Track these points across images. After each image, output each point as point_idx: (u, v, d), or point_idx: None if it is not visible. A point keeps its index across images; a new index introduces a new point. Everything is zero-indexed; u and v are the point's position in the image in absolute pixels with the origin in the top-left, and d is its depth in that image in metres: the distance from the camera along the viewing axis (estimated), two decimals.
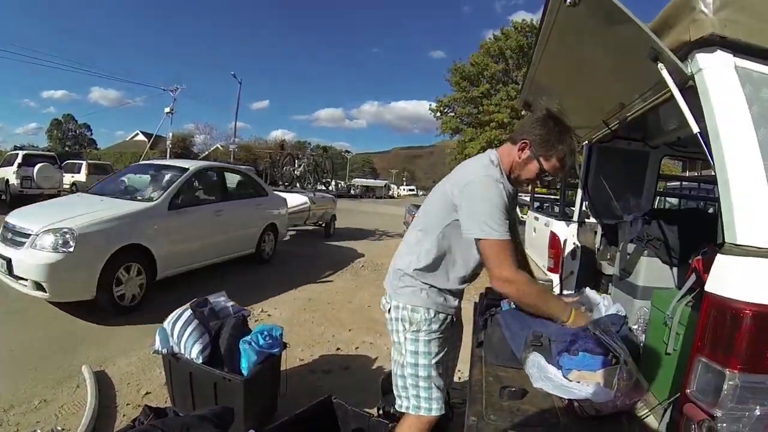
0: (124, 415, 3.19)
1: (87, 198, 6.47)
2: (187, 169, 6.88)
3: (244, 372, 2.94)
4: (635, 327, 2.32)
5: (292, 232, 12.64)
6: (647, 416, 1.71)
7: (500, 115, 35.93)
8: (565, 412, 1.66)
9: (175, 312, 3.14)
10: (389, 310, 2.12)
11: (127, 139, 64.16)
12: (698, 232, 2.37)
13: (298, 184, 14.52)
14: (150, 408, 2.41)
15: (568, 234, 4.24)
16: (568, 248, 4.20)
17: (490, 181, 1.93)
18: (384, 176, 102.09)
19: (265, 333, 3.11)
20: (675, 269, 2.66)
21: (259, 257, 8.48)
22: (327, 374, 4.07)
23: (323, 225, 13.44)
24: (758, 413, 1.31)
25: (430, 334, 2.04)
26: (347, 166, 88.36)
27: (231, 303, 3.45)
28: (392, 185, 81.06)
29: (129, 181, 7.20)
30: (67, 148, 56.69)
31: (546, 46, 2.41)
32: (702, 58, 1.58)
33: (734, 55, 1.55)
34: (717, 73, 1.55)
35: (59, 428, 2.55)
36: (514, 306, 2.15)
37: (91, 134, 70.56)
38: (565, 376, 1.71)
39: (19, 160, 17.64)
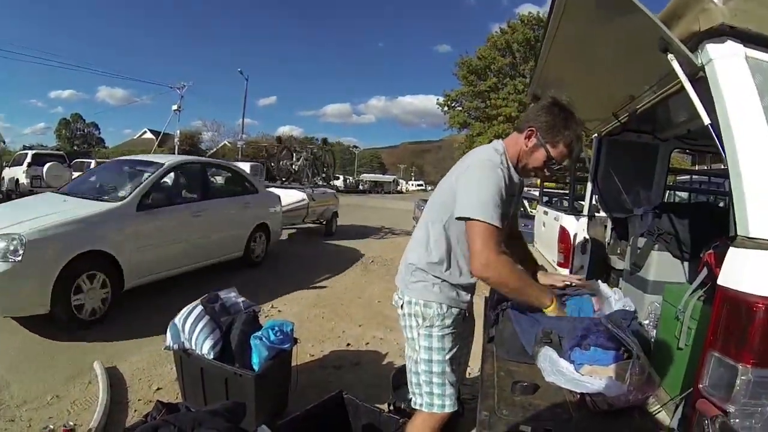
0: (135, 411, 3.21)
1: (51, 198, 5.79)
2: (162, 164, 6.13)
3: (255, 367, 2.95)
4: (646, 322, 2.32)
5: (292, 231, 12.24)
6: (659, 411, 1.70)
7: (508, 108, 35.77)
8: (577, 407, 1.66)
9: (186, 308, 3.16)
10: (402, 306, 2.12)
11: (135, 137, 64.53)
12: (709, 226, 2.35)
13: (302, 180, 13.58)
14: (162, 403, 2.43)
15: (577, 228, 4.22)
16: (578, 243, 4.18)
17: (490, 166, 1.91)
18: (392, 171, 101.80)
19: (276, 328, 3.11)
20: (686, 263, 2.65)
21: (248, 260, 7.70)
22: (338, 370, 4.08)
23: (324, 223, 12.54)
24: None
25: (443, 329, 2.04)
26: (355, 161, 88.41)
27: (242, 299, 3.46)
28: (400, 180, 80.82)
29: (101, 179, 6.39)
30: (75, 147, 57.04)
31: (554, 39, 2.39)
32: (712, 49, 1.57)
33: (745, 46, 1.54)
34: (727, 64, 1.54)
35: (71, 423, 2.57)
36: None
37: (99, 133, 70.83)
38: (576, 371, 1.70)
39: (28, 159, 17.87)
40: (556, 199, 8.13)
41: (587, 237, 4.11)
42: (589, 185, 4.26)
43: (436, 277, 2.04)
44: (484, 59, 37.95)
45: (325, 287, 7.08)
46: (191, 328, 3.02)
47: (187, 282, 6.16)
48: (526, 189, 4.73)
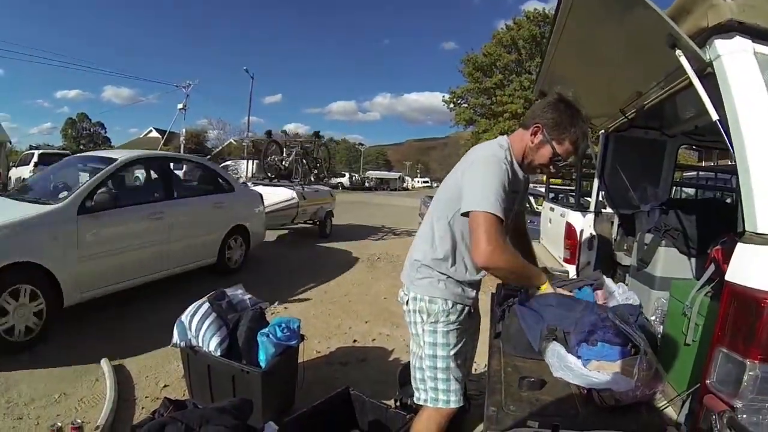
0: (142, 408, 3.23)
1: None
2: (115, 160, 5.31)
3: (262, 364, 2.96)
4: (653, 318, 2.31)
5: (284, 232, 11.54)
6: (666, 407, 1.70)
7: (514, 105, 35.72)
8: (584, 402, 1.66)
9: (193, 305, 3.17)
10: (407, 302, 2.12)
11: (141, 136, 64.61)
12: (716, 222, 2.35)
13: (292, 177, 12.23)
14: (169, 400, 2.45)
15: (584, 224, 4.21)
16: (585, 239, 4.17)
17: (494, 161, 1.91)
18: (398, 168, 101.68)
19: (283, 325, 3.13)
20: (693, 259, 2.64)
21: (223, 267, 6.82)
22: (344, 366, 4.09)
23: (317, 223, 11.54)
24: None
25: (448, 325, 2.04)
26: (361, 158, 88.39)
27: (248, 296, 3.48)
28: (406, 177, 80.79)
29: (54, 178, 5.66)
30: (82, 147, 57.21)
31: (561, 35, 2.39)
32: (720, 45, 1.56)
33: (753, 41, 1.53)
34: (736, 60, 1.53)
35: (79, 421, 2.58)
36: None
37: (105, 132, 71.21)
38: (584, 366, 1.71)
39: (35, 159, 18.01)
40: (562, 195, 8.11)
41: (594, 233, 4.11)
42: (596, 181, 4.25)
43: (441, 273, 2.04)
44: (489, 56, 37.92)
45: (332, 284, 7.08)
46: (198, 326, 3.04)
47: (192, 281, 6.19)
48: (531, 185, 4.71)
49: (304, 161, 12.59)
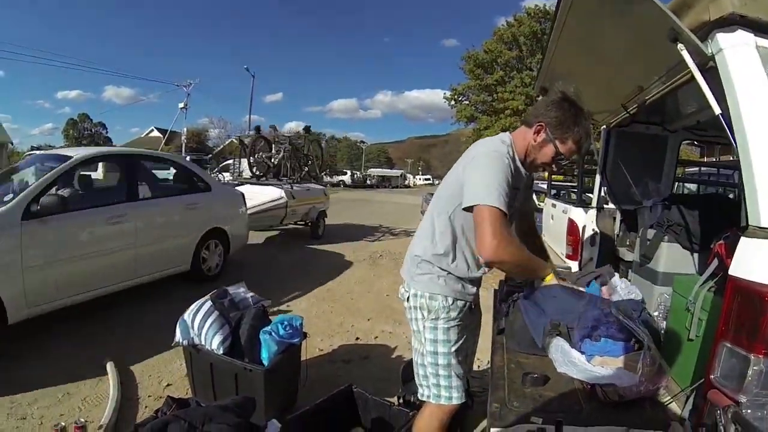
0: (146, 407, 3.24)
1: None
2: (69, 158, 4.76)
3: (265, 362, 2.97)
4: (656, 313, 2.31)
5: (274, 234, 11.05)
6: (670, 402, 1.70)
7: (515, 102, 35.66)
8: (587, 398, 1.65)
9: (195, 303, 3.18)
10: (407, 299, 2.12)
11: (143, 135, 64.65)
12: (719, 217, 2.34)
13: (281, 175, 11.43)
14: (172, 399, 2.45)
15: (586, 220, 4.20)
16: (587, 235, 4.17)
17: (496, 155, 1.91)
18: (399, 166, 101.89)
19: (285, 323, 3.13)
20: (696, 255, 2.64)
21: (198, 275, 6.17)
22: (347, 364, 4.09)
23: (309, 224, 10.91)
24: None
25: (448, 321, 2.04)
26: (362, 156, 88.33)
27: (251, 294, 3.48)
28: (408, 175, 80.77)
29: (10, 179, 5.08)
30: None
31: (562, 30, 2.38)
32: (722, 38, 1.56)
33: (755, 35, 1.53)
34: (738, 53, 1.52)
35: (82, 420, 2.58)
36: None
37: (107, 132, 71.10)
38: (587, 362, 1.70)
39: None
40: (564, 191, 8.11)
41: (596, 229, 4.10)
42: (598, 177, 4.24)
43: (441, 269, 2.04)
44: (490, 53, 37.83)
45: (334, 282, 7.07)
46: (201, 324, 3.04)
47: (194, 280, 6.15)
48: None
49: (294, 158, 11.84)
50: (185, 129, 30.41)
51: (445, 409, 2.07)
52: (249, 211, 7.66)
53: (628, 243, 3.74)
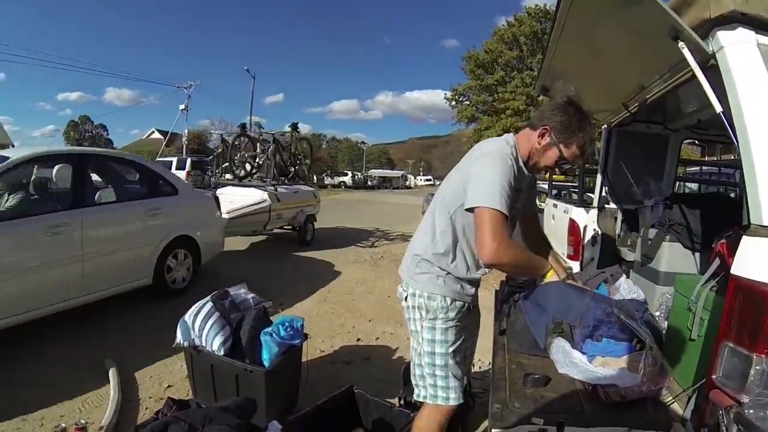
0: (146, 408, 3.23)
1: None
2: (6, 158, 4.21)
3: (266, 363, 2.96)
4: (657, 313, 2.30)
5: (259, 239, 10.31)
6: (672, 402, 1.69)
7: (516, 102, 35.63)
8: (589, 398, 1.65)
9: (196, 305, 3.17)
10: (405, 298, 2.11)
11: (144, 137, 65.03)
12: (720, 217, 2.34)
13: (265, 176, 10.70)
14: (173, 400, 2.45)
15: (587, 220, 4.20)
16: (588, 235, 4.16)
17: (500, 156, 1.90)
18: (400, 167, 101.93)
19: (286, 324, 3.12)
20: (697, 254, 2.64)
21: (162, 288, 5.47)
22: (348, 365, 4.09)
23: (297, 229, 10.03)
24: None
25: (446, 322, 2.03)
26: (363, 157, 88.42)
27: (251, 295, 3.47)
28: (409, 175, 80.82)
29: None
30: None
31: (563, 30, 2.38)
32: (723, 36, 1.55)
33: (756, 32, 1.52)
34: (739, 51, 1.52)
35: (83, 421, 2.58)
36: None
37: (108, 134, 71.37)
38: (589, 362, 1.70)
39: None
40: (565, 191, 8.10)
41: (597, 229, 4.09)
42: (599, 177, 4.23)
43: (441, 269, 2.03)
44: (491, 53, 37.80)
45: (335, 282, 7.06)
46: (201, 325, 3.04)
47: (195, 280, 6.14)
48: None
49: (280, 158, 11.08)
50: (186, 130, 30.48)
51: (443, 410, 2.06)
52: (229, 215, 7.30)
53: (629, 243, 3.73)
